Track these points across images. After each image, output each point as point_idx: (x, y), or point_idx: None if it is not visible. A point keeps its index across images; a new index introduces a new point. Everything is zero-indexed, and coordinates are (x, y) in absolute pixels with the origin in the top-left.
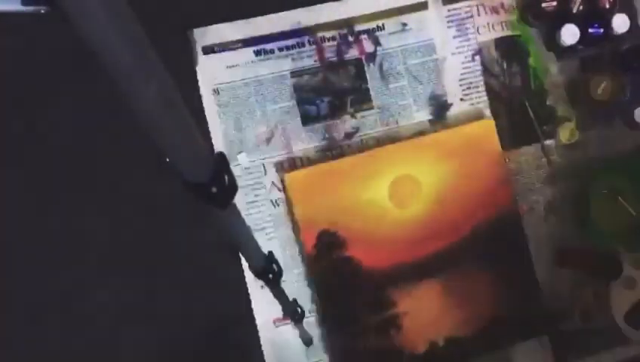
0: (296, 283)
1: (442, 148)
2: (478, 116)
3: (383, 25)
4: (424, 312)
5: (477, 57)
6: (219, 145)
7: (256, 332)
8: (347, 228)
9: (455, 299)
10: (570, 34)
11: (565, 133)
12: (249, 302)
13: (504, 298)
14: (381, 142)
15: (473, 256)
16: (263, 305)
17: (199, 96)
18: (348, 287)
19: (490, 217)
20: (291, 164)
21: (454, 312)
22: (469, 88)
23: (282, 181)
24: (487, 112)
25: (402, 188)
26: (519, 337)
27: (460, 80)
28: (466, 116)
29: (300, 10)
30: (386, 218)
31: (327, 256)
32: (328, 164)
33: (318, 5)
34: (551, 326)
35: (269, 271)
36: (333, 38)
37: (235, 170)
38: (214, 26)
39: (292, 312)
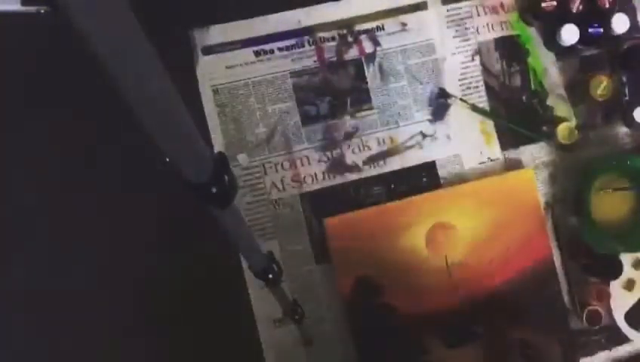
0: (296, 284)
1: (480, 196)
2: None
3: (382, 25)
4: (459, 360)
5: (476, 57)
6: (218, 145)
7: (257, 332)
8: (384, 275)
9: (489, 348)
10: (569, 34)
11: (564, 133)
12: (249, 302)
13: (538, 348)
14: (380, 142)
15: (509, 306)
16: (263, 305)
17: (199, 97)
18: (384, 333)
19: (526, 268)
20: (292, 164)
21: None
22: (468, 88)
23: (323, 225)
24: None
25: (439, 236)
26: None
27: (460, 80)
28: (466, 115)
29: (299, 10)
30: (423, 266)
31: (363, 301)
32: (368, 210)
33: (318, 5)
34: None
35: (269, 271)
36: (332, 39)
37: (235, 171)
38: (214, 26)
39: (292, 312)
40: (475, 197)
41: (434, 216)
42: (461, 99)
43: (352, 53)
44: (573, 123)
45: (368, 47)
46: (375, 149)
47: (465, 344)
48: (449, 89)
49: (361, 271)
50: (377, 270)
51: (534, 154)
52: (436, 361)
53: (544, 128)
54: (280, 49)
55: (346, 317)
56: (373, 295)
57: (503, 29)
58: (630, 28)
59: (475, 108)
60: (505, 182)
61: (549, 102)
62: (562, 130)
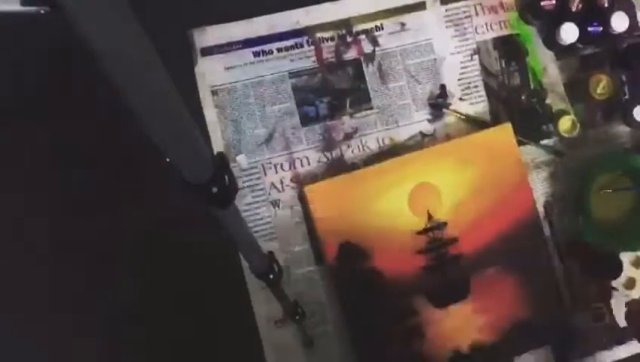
0: (296, 284)
1: (461, 155)
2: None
3: (381, 25)
4: (448, 319)
5: (475, 57)
6: (218, 146)
7: (257, 332)
8: (368, 239)
9: (479, 304)
10: (569, 33)
11: (566, 125)
12: (249, 302)
13: (527, 301)
14: (380, 142)
15: (496, 261)
16: (264, 305)
17: (198, 98)
18: (371, 298)
19: (511, 222)
20: (291, 165)
21: (478, 318)
22: (467, 88)
23: (302, 193)
24: (486, 111)
25: (422, 197)
26: (541, 340)
27: (459, 79)
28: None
29: (298, 10)
30: (407, 227)
31: (349, 267)
32: (348, 175)
33: (317, 6)
34: (571, 328)
35: (270, 271)
36: (331, 39)
37: (234, 171)
38: (214, 27)
39: (292, 313)
40: (456, 156)
41: (416, 177)
42: (455, 111)
43: (351, 53)
44: (573, 116)
45: (367, 47)
46: (374, 149)
47: (453, 303)
48: (448, 88)
49: (344, 237)
50: (361, 235)
51: (534, 153)
52: (425, 322)
53: (543, 127)
54: (279, 49)
55: (332, 284)
56: (358, 260)
57: (501, 28)
58: (629, 26)
59: (470, 119)
60: (484, 139)
61: (549, 101)
62: (564, 123)
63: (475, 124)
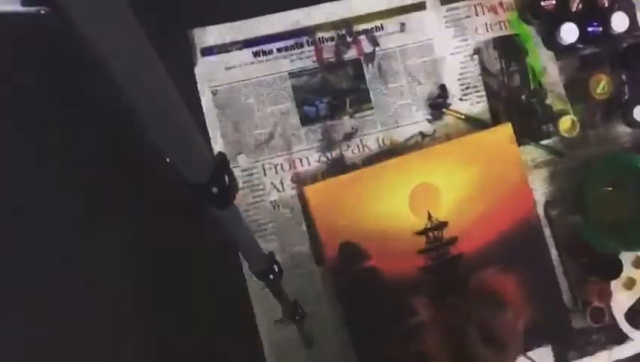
0: (296, 284)
1: (461, 155)
2: (478, 116)
3: (381, 25)
4: (448, 319)
5: (475, 57)
6: (218, 146)
7: (257, 333)
8: (368, 239)
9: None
10: (569, 32)
11: (566, 125)
12: (249, 302)
13: (527, 301)
14: (380, 142)
15: (496, 261)
16: (263, 305)
17: (198, 98)
18: (372, 298)
19: (511, 221)
20: (291, 165)
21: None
22: (467, 88)
23: (302, 193)
24: (486, 111)
25: (422, 197)
26: (543, 340)
27: (459, 80)
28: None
29: (298, 10)
30: (407, 227)
31: (349, 267)
32: (348, 175)
33: (317, 5)
34: (571, 328)
35: (270, 271)
36: (331, 39)
37: (234, 172)
38: (213, 27)
39: (293, 313)
40: (456, 156)
41: (416, 177)
42: (454, 111)
43: (351, 53)
44: (574, 116)
45: (367, 47)
46: (374, 149)
47: (453, 303)
48: (448, 89)
49: (344, 237)
50: (361, 235)
51: (534, 153)
52: (425, 322)
53: (543, 127)
54: (279, 49)
55: (332, 284)
56: (358, 260)
57: (501, 28)
58: (629, 26)
59: (470, 119)
60: (484, 139)
61: (549, 101)
62: (564, 123)
63: (475, 124)
